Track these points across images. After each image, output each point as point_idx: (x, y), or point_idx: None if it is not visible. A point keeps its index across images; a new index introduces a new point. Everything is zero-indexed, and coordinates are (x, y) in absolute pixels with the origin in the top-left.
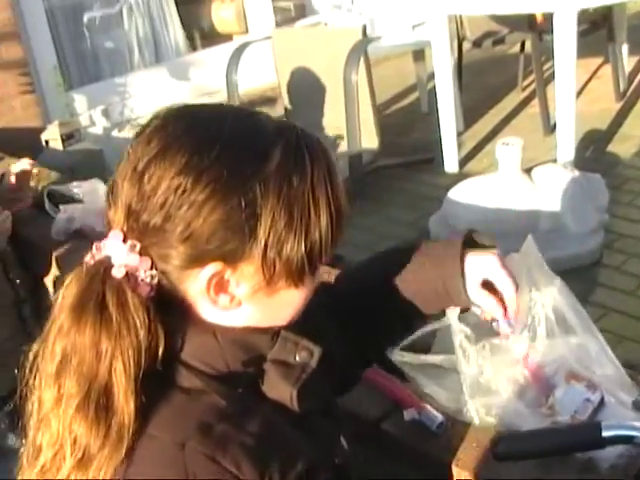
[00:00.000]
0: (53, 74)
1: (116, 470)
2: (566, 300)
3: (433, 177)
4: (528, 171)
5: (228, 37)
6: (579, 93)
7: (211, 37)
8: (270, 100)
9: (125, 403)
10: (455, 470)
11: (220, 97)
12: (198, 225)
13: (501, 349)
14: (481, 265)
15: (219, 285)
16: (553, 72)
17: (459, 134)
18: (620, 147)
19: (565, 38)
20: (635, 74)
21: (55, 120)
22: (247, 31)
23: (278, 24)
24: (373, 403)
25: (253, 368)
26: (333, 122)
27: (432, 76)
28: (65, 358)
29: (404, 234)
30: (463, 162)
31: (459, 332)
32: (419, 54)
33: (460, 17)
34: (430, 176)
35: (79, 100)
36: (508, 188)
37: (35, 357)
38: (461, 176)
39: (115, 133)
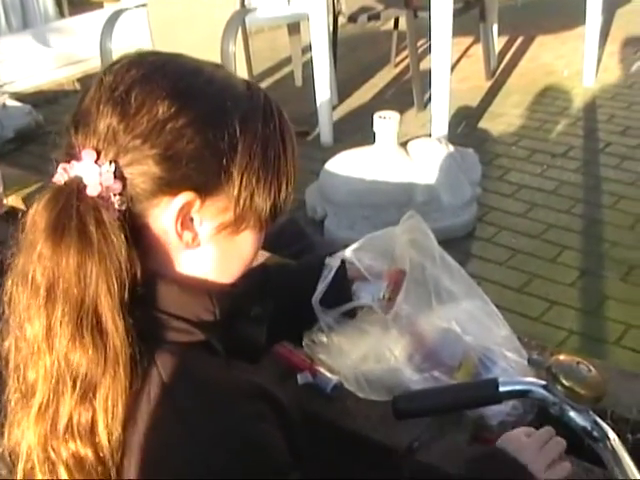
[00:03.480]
0: None
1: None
2: (451, 268)
3: (308, 150)
4: (404, 145)
5: (98, 4)
6: (450, 71)
7: (81, 4)
8: None
9: (114, 326)
10: None
11: (91, 65)
12: (179, 148)
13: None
14: None
15: (185, 220)
16: (426, 49)
17: (333, 108)
18: (490, 124)
19: (441, 16)
20: (504, 54)
21: None
22: None
23: None
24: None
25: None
26: None
27: (306, 50)
28: (50, 285)
29: None
30: (337, 136)
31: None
32: (294, 27)
33: None
34: (305, 149)
35: None
36: (384, 161)
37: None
38: (336, 149)
39: None
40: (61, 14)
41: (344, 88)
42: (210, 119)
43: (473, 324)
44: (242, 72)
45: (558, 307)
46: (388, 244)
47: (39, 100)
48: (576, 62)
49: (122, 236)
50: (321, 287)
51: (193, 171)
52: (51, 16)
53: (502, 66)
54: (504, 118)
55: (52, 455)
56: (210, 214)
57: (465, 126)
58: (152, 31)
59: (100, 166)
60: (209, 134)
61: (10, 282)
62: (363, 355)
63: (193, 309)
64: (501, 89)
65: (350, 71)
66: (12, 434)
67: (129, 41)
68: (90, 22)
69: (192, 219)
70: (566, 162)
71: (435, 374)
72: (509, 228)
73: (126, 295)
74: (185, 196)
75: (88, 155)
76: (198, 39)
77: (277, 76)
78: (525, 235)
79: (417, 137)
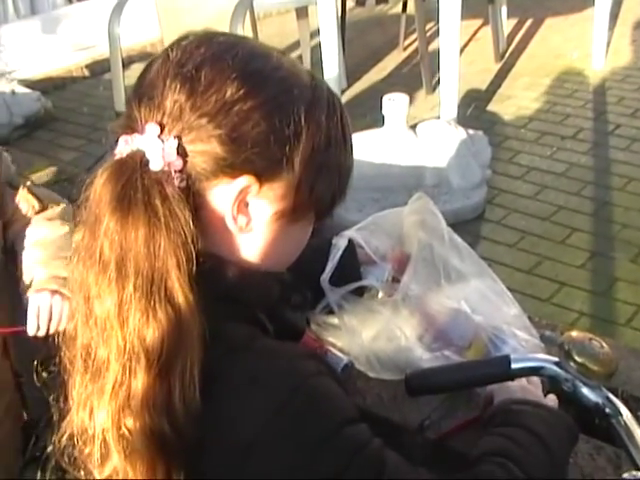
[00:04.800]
0: None
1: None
2: (460, 248)
3: None
4: (413, 127)
5: None
6: (459, 53)
7: None
8: (153, 55)
9: (185, 299)
10: None
11: (99, 52)
12: (244, 131)
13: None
14: None
15: (241, 204)
16: (434, 32)
17: (342, 92)
18: (499, 106)
19: None
20: (513, 36)
21: None
22: None
23: None
24: None
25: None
26: None
27: (314, 34)
28: (120, 259)
29: None
30: None
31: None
32: (302, 11)
33: None
34: None
35: None
36: (394, 143)
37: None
38: None
39: None
40: (69, 0)
41: (353, 72)
42: (278, 105)
43: (483, 303)
44: None
45: (568, 289)
46: (395, 224)
47: (48, 86)
48: (585, 44)
49: (187, 210)
50: (330, 266)
51: (256, 155)
52: (59, 2)
53: (511, 49)
54: (513, 101)
55: (126, 432)
56: (267, 200)
57: (474, 109)
58: (160, 17)
59: (163, 141)
60: (275, 119)
61: (75, 260)
62: (374, 335)
63: (249, 290)
64: (510, 72)
65: (358, 55)
66: (79, 415)
67: (137, 27)
68: (98, 8)
69: (247, 204)
70: (576, 144)
71: (446, 353)
72: (519, 210)
73: (194, 269)
74: (245, 180)
75: (152, 129)
76: (206, 24)
77: None
78: (535, 217)
79: (426, 120)
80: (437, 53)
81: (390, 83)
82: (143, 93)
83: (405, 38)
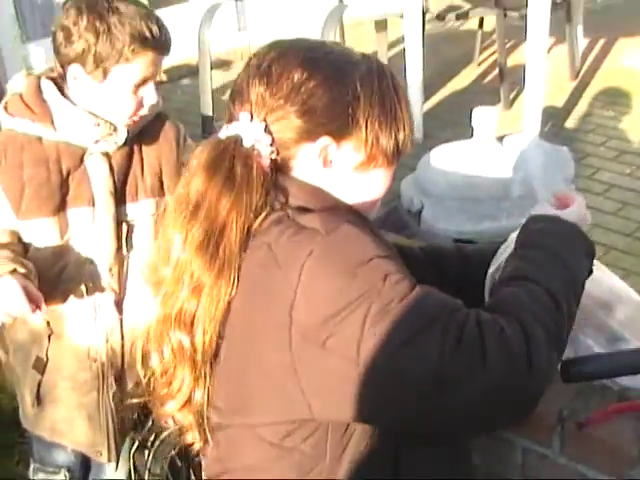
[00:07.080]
0: (11, 25)
1: None
2: None
3: None
4: (499, 140)
5: None
6: None
7: None
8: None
9: (234, 245)
10: None
11: (176, 58)
12: (312, 104)
13: None
14: None
15: (325, 160)
16: (508, 48)
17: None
18: (577, 124)
19: (538, 15)
20: (586, 56)
21: (13, 73)
22: None
23: None
24: None
25: None
26: None
27: (391, 46)
28: (197, 205)
29: None
30: (426, 131)
31: None
32: (381, 24)
33: None
34: None
35: (37, 52)
36: (482, 154)
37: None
38: (426, 145)
39: None
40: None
41: (429, 86)
42: (335, 79)
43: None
44: None
45: None
46: None
47: None
48: None
49: (263, 181)
50: (498, 261)
51: (326, 120)
52: None
53: (585, 68)
54: (591, 118)
55: (164, 336)
56: (346, 154)
57: (552, 125)
58: (249, 24)
59: (253, 124)
60: (335, 91)
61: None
62: None
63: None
64: (586, 90)
65: (434, 69)
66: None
67: (225, 34)
68: (175, 16)
69: (332, 162)
70: None
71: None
72: (601, 226)
73: (254, 224)
74: (323, 140)
75: (244, 117)
76: (295, 33)
77: None
78: (618, 233)
79: (507, 134)
80: (514, 69)
81: (466, 98)
82: (235, 94)
83: (480, 54)
